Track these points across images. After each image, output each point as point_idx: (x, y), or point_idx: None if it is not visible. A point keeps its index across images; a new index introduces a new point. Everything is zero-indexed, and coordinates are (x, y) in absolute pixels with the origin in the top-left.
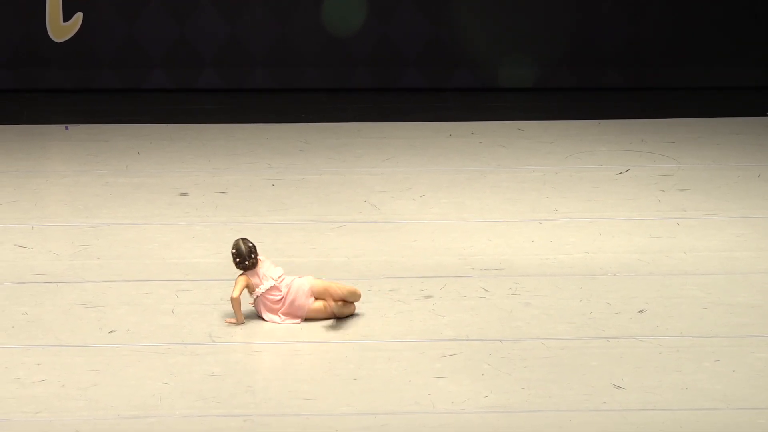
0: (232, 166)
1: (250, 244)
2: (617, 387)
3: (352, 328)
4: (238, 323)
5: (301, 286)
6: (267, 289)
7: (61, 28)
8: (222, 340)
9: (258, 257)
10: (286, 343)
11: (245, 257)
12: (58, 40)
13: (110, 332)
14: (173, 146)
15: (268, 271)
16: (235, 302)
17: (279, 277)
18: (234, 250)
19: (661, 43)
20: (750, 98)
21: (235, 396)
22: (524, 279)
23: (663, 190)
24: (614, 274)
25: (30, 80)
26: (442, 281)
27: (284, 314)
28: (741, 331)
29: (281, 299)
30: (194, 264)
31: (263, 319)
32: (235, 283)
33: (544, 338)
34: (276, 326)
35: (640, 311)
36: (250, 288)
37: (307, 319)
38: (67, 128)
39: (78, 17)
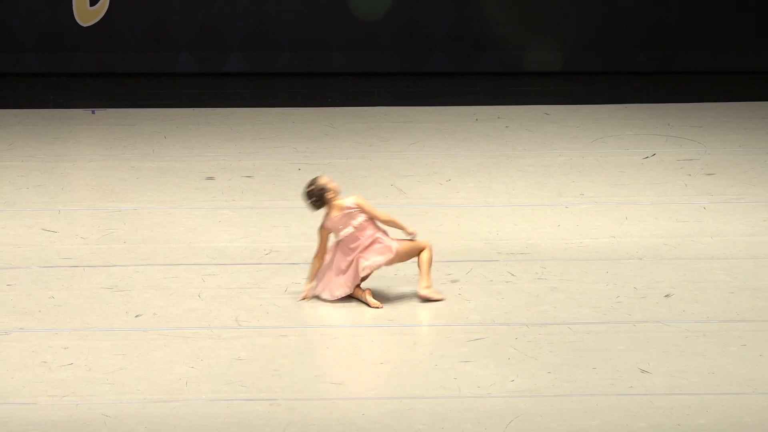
0: (259, 150)
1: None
2: (643, 371)
3: (378, 312)
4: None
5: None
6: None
7: (88, 12)
8: (248, 324)
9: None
10: (313, 328)
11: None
12: (85, 24)
13: (137, 316)
14: (200, 130)
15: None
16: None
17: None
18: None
19: (688, 27)
20: None
21: (261, 380)
22: (550, 263)
23: (689, 175)
24: (640, 259)
25: (57, 64)
26: (468, 265)
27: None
28: (767, 316)
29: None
30: (221, 248)
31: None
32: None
33: (570, 323)
34: (302, 310)
35: (666, 296)
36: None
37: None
38: (93, 112)
39: (105, 1)
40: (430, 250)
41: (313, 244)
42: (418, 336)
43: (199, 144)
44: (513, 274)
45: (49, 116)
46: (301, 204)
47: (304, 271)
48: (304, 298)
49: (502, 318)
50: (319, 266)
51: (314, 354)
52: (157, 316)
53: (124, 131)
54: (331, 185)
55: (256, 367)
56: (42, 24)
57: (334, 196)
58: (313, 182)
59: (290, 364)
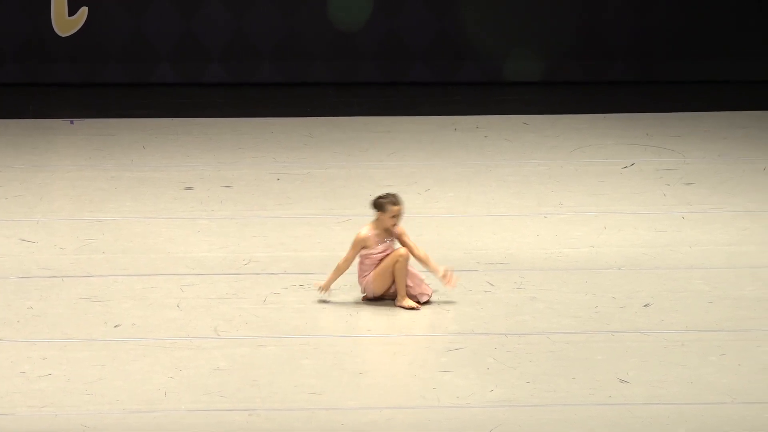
0: (238, 160)
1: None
2: (622, 381)
3: (357, 321)
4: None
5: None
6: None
7: (66, 22)
8: (227, 335)
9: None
10: (292, 337)
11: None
12: (64, 35)
13: (116, 326)
14: (179, 140)
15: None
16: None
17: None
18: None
19: (668, 37)
20: (756, 92)
21: (240, 390)
22: (529, 273)
23: (668, 184)
24: (619, 268)
25: (36, 74)
26: None
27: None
28: (747, 325)
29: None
30: (200, 258)
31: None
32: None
33: (550, 332)
34: (280, 320)
35: (645, 305)
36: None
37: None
38: (72, 122)
39: (83, 11)
40: (403, 260)
41: (293, 254)
42: (398, 346)
43: (178, 154)
44: (492, 284)
45: (27, 126)
46: (281, 214)
47: (283, 281)
48: (321, 289)
49: (482, 328)
50: (341, 273)
51: (293, 364)
52: (136, 326)
53: (103, 141)
54: (399, 209)
55: (235, 378)
56: (21, 34)
57: (396, 216)
58: (394, 196)
59: (269, 374)
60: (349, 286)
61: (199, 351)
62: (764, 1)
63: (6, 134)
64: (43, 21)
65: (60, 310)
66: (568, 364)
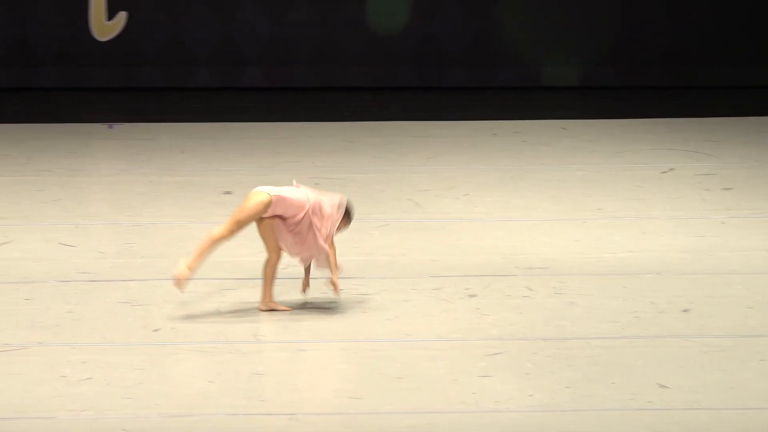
0: (276, 164)
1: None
2: (662, 386)
3: (396, 326)
4: None
5: None
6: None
7: (104, 27)
8: (267, 339)
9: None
10: (331, 342)
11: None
12: (102, 39)
13: (155, 330)
14: (217, 145)
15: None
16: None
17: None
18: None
19: (705, 42)
20: None
21: (279, 394)
22: (568, 278)
23: (707, 189)
24: (658, 273)
25: (74, 79)
26: (486, 280)
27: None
28: None
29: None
30: (239, 263)
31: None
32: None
33: (589, 337)
34: (319, 324)
35: (684, 310)
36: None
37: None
38: (111, 127)
39: (121, 16)
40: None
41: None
42: (437, 350)
43: (217, 158)
44: (531, 289)
45: (66, 130)
46: None
47: (322, 285)
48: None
49: (521, 333)
50: None
51: (333, 368)
52: (175, 330)
53: (142, 145)
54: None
55: (274, 382)
56: (60, 38)
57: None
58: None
59: (309, 378)
60: (389, 291)
61: (238, 355)
62: None
63: (45, 138)
64: (82, 25)
65: (99, 314)
66: (608, 369)
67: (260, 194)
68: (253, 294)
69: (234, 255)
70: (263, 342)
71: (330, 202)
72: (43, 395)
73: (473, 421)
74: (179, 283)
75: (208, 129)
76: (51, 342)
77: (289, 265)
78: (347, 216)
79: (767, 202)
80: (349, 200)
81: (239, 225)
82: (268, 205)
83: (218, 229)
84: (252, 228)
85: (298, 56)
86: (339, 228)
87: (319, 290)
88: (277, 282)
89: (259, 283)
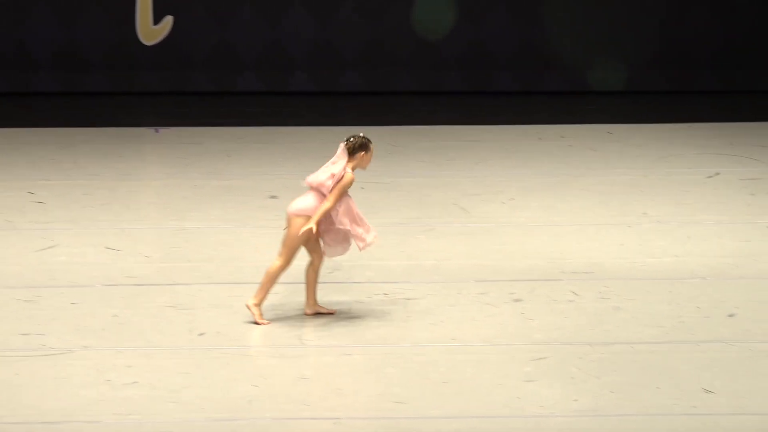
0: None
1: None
2: (707, 391)
3: (442, 330)
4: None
5: None
6: None
7: (151, 31)
8: (312, 343)
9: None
10: (376, 346)
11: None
12: (148, 43)
13: (200, 335)
14: (264, 149)
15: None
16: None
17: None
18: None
19: (751, 46)
20: None
21: (325, 399)
22: (613, 282)
23: (753, 194)
24: (703, 278)
25: (122, 83)
26: (531, 285)
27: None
28: None
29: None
30: None
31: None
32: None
33: (634, 342)
34: (365, 328)
35: (729, 315)
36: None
37: None
38: (157, 131)
39: (168, 20)
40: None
41: (378, 263)
42: (482, 355)
43: (264, 162)
44: (576, 293)
45: (114, 135)
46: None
47: (368, 290)
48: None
49: (566, 337)
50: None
51: (378, 372)
52: (220, 334)
53: (189, 150)
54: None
55: (319, 386)
56: (107, 43)
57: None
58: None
59: (354, 382)
60: (434, 295)
61: (283, 359)
62: None
63: (92, 143)
64: (129, 30)
65: (145, 318)
66: (653, 373)
67: (302, 223)
68: (298, 298)
69: None
70: (308, 346)
71: (329, 172)
72: (88, 399)
73: (518, 426)
74: (260, 321)
75: (254, 133)
76: (97, 346)
77: (334, 269)
78: (361, 149)
79: None
80: (355, 137)
81: (294, 253)
82: (312, 231)
83: (276, 264)
84: None
85: (345, 60)
86: (364, 164)
87: (364, 294)
88: (320, 285)
89: (303, 287)
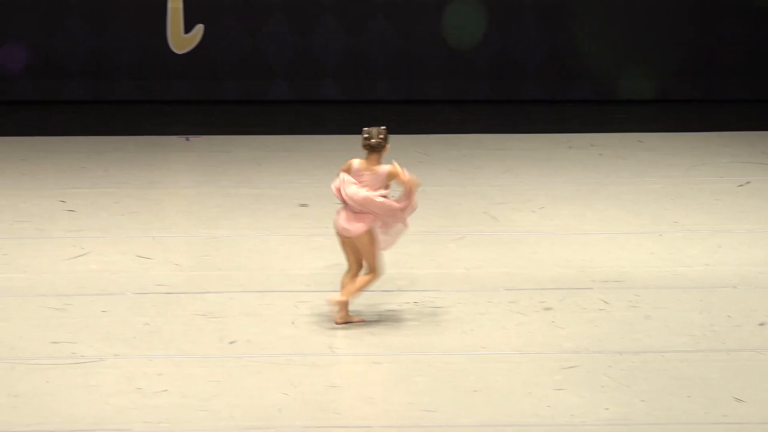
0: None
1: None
2: (738, 400)
3: (472, 339)
4: None
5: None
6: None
7: (182, 39)
8: (342, 352)
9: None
10: (406, 355)
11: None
12: (179, 52)
13: (231, 343)
14: (293, 157)
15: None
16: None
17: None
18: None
19: None
20: None
21: (355, 407)
22: (644, 291)
23: None
24: (735, 287)
25: (152, 91)
26: (561, 293)
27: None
28: None
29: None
30: (315, 275)
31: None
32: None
33: (664, 351)
34: (394, 336)
35: (761, 324)
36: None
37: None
38: (188, 139)
39: (199, 29)
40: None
41: (408, 272)
42: (512, 363)
43: (294, 171)
44: (606, 302)
45: (143, 143)
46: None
47: (397, 298)
48: None
49: (596, 346)
50: None
51: (408, 381)
52: (251, 342)
53: (219, 158)
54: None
55: (350, 395)
56: (137, 51)
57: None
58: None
59: (384, 391)
60: (464, 304)
61: (313, 368)
62: None
63: (122, 151)
64: (159, 38)
65: (175, 327)
66: (683, 382)
67: (366, 231)
68: (329, 306)
69: (309, 268)
70: (338, 355)
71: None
72: (119, 407)
73: None
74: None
75: (284, 141)
76: (127, 354)
77: None
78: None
79: None
80: (366, 132)
81: (378, 260)
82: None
83: (366, 276)
84: (325, 241)
85: (375, 69)
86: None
87: (394, 303)
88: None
89: (333, 295)
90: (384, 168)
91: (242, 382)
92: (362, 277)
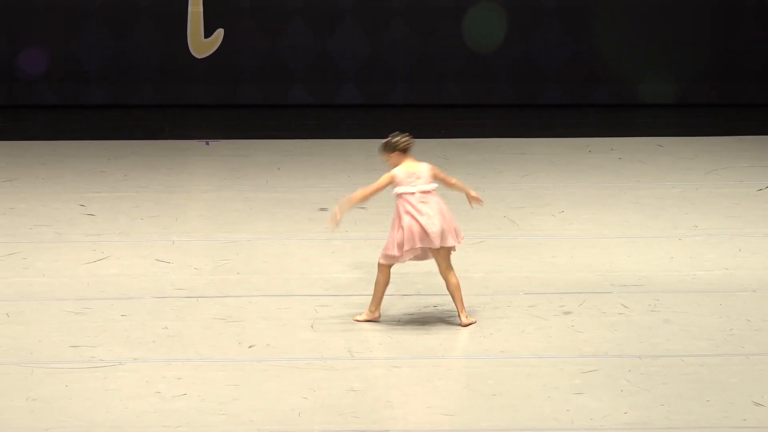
0: (372, 181)
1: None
2: (757, 404)
3: (491, 343)
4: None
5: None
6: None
7: (202, 44)
8: (361, 355)
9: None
10: (425, 359)
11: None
12: (200, 56)
13: (250, 347)
14: (313, 161)
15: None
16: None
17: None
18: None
19: None
20: None
21: (374, 411)
22: (663, 295)
23: None
24: (754, 291)
25: (172, 96)
26: (581, 297)
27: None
28: None
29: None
30: (334, 279)
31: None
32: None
33: (684, 355)
34: (414, 340)
35: None
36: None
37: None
38: (207, 143)
39: (219, 33)
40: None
41: (424, 276)
42: (531, 367)
43: (313, 175)
44: (626, 306)
45: (163, 147)
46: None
47: (416, 302)
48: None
49: (615, 350)
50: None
51: (427, 385)
52: (270, 346)
53: (238, 162)
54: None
55: (369, 398)
56: (157, 56)
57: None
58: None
59: (403, 395)
60: (484, 308)
61: (332, 371)
62: None
63: (142, 155)
64: (179, 43)
65: (194, 331)
66: (703, 386)
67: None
68: (347, 310)
69: (328, 272)
70: (357, 358)
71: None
72: (138, 411)
73: None
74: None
75: (304, 146)
76: (146, 358)
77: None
78: (392, 149)
79: None
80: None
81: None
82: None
83: (453, 279)
84: (344, 245)
85: (395, 73)
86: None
87: (413, 307)
88: (369, 297)
89: (353, 299)
90: (424, 165)
91: (261, 386)
92: (455, 285)
